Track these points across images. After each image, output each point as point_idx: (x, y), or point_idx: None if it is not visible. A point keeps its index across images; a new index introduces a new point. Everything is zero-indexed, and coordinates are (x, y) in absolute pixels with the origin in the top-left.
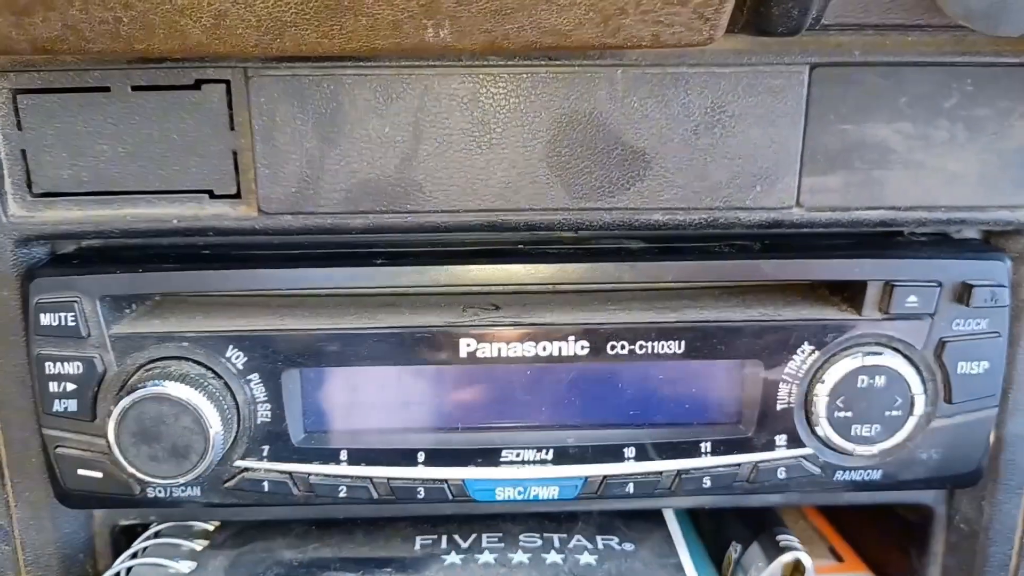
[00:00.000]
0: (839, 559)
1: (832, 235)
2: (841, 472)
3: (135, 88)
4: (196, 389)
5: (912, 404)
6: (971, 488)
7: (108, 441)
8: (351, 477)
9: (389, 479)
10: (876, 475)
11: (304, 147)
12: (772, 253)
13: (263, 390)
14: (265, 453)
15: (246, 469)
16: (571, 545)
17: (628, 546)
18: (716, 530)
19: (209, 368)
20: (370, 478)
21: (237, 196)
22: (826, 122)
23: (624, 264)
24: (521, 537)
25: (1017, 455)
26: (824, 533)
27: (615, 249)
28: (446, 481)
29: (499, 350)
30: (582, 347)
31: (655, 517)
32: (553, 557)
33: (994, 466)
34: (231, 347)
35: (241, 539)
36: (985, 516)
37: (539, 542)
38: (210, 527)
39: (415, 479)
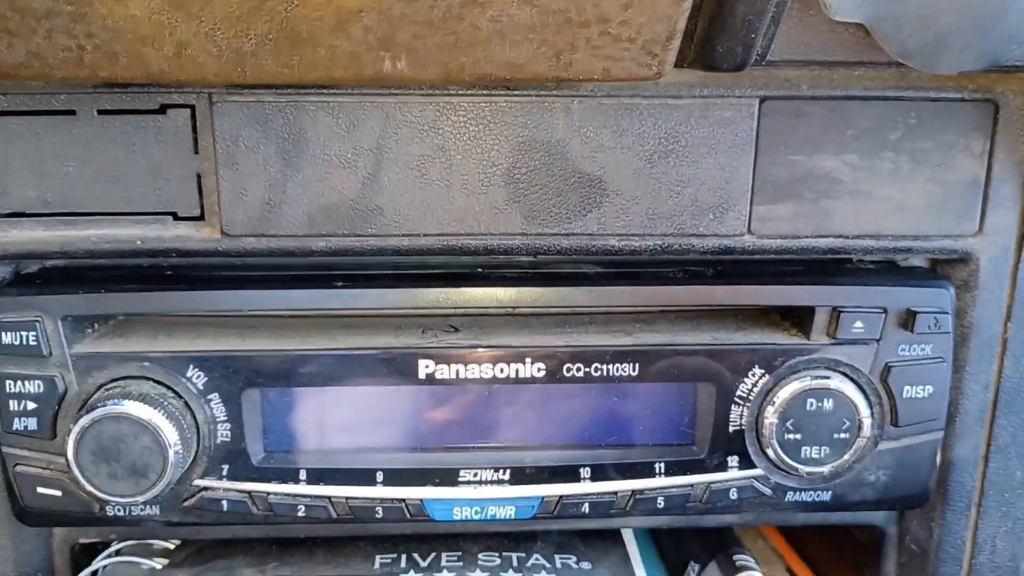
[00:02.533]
0: None
1: (782, 262)
2: (792, 493)
3: (101, 112)
4: (156, 408)
5: (859, 427)
6: (920, 509)
7: (67, 459)
8: (310, 496)
9: (348, 499)
10: (826, 496)
11: (267, 171)
12: (724, 279)
13: (223, 410)
14: (224, 472)
15: (205, 488)
16: (529, 564)
17: (585, 565)
18: (675, 549)
19: (169, 388)
20: (329, 497)
21: (200, 218)
22: (776, 153)
23: (580, 288)
24: (480, 556)
25: (964, 477)
26: (782, 553)
27: (572, 274)
28: (404, 501)
29: (457, 372)
30: (538, 369)
31: (613, 536)
32: None
33: (942, 488)
34: (192, 367)
35: (201, 558)
36: (935, 537)
37: (498, 561)
38: (170, 546)
39: (374, 499)
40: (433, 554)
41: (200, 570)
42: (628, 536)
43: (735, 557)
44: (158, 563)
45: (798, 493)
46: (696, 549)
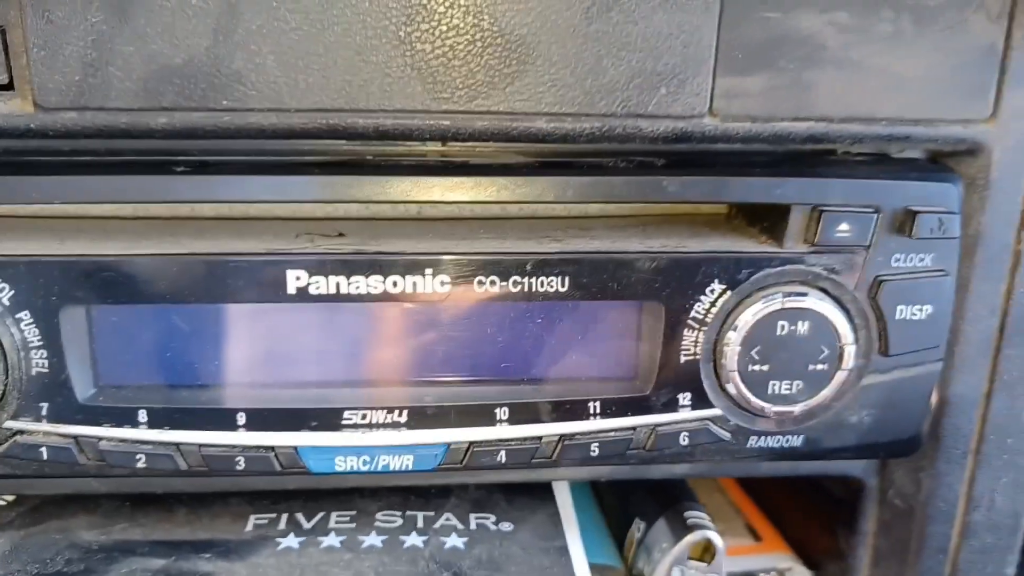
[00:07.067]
0: (757, 538)
1: (750, 154)
2: (755, 438)
3: None
4: None
5: (840, 356)
6: (908, 458)
7: None
8: (152, 443)
9: (200, 446)
10: (796, 441)
11: (88, 22)
12: (677, 169)
13: (37, 332)
14: (43, 412)
15: (19, 432)
16: (437, 525)
17: (506, 526)
18: (619, 505)
19: None
20: (176, 444)
21: (9, 87)
22: (746, 8)
23: (498, 179)
24: (378, 516)
25: (961, 420)
26: (742, 508)
27: (487, 165)
28: (273, 449)
29: (337, 285)
30: (442, 282)
31: (543, 490)
32: (413, 540)
33: (935, 432)
34: None
35: (33, 517)
36: (923, 490)
37: (399, 521)
38: (2, 502)
39: (234, 446)
40: (320, 514)
41: (27, 532)
42: (562, 489)
43: (686, 514)
44: None
45: (763, 438)
46: (643, 505)
